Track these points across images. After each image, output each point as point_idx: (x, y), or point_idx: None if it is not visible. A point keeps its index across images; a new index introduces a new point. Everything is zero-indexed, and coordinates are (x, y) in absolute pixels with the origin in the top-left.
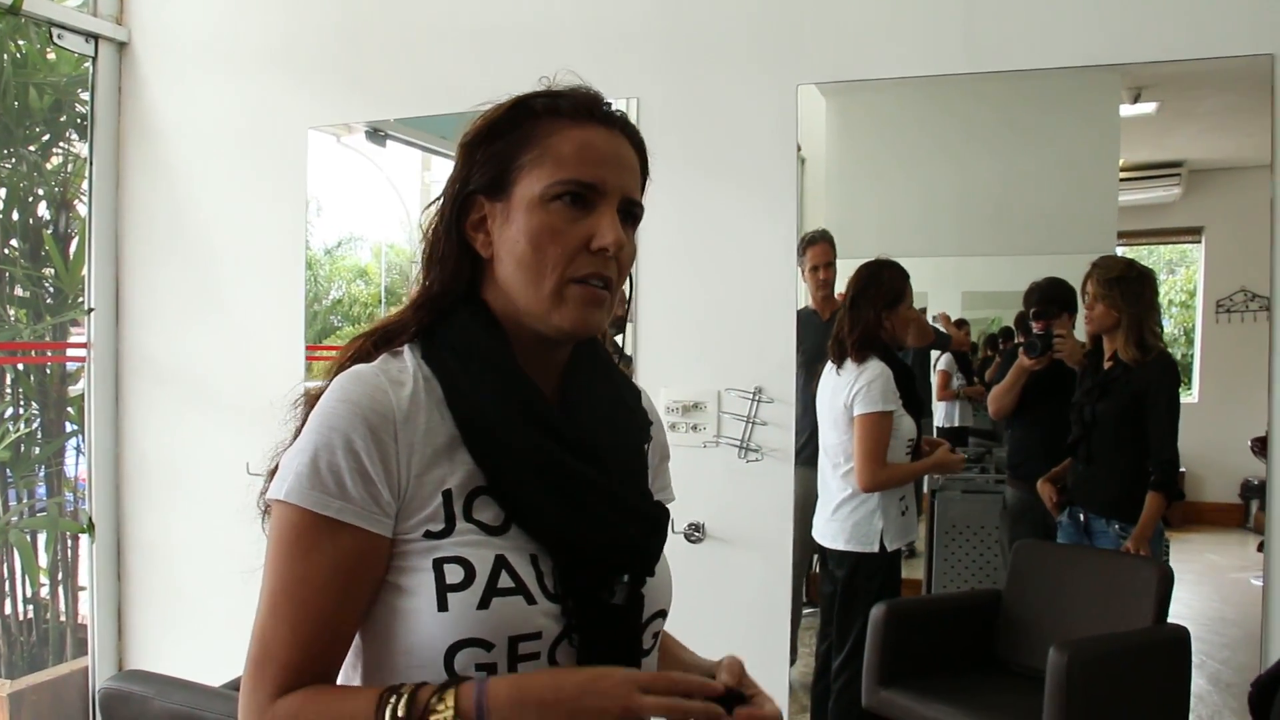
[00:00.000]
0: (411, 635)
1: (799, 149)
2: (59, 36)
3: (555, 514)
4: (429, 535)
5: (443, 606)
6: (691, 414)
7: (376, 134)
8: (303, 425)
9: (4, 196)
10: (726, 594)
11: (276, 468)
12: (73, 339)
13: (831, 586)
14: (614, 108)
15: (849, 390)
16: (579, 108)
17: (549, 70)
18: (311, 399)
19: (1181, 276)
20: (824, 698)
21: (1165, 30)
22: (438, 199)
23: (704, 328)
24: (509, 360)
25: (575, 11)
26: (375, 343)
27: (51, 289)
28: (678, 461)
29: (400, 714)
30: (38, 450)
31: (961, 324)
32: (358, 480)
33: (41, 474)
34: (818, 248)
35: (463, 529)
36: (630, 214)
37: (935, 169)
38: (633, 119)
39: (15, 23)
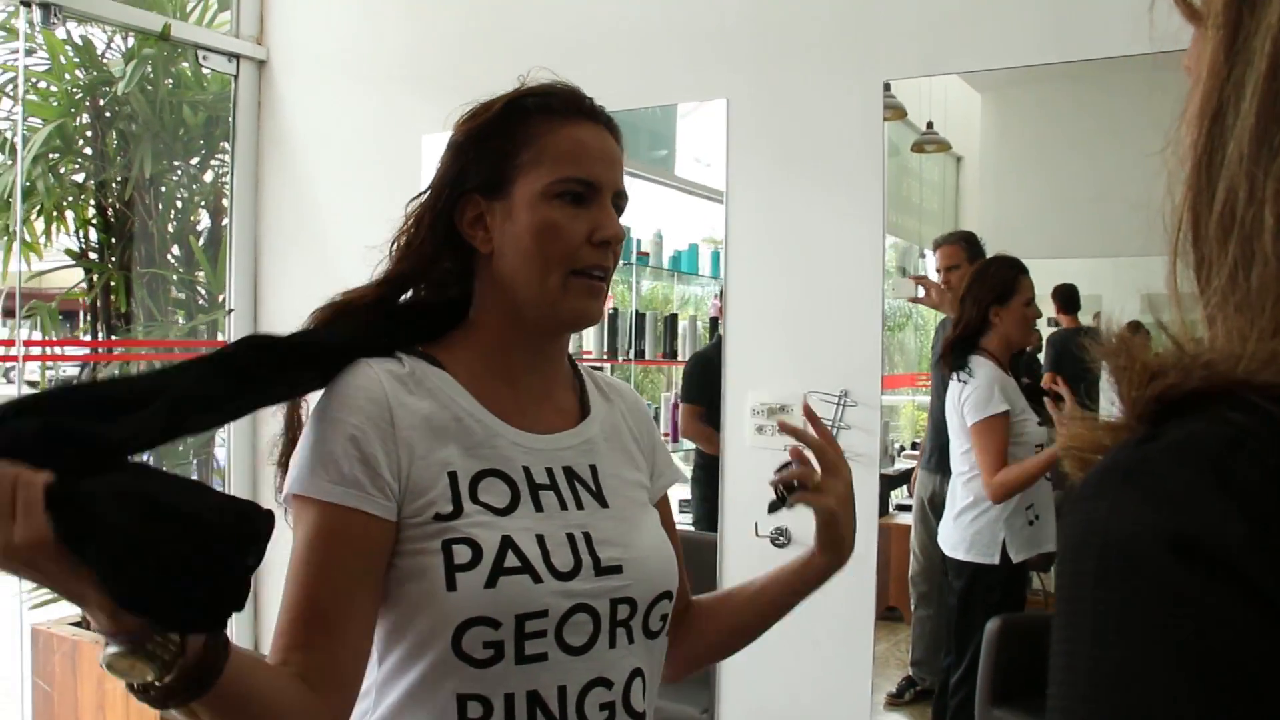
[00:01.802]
0: (425, 616)
1: (950, 147)
2: (204, 58)
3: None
4: (439, 518)
5: (451, 586)
6: (777, 416)
7: None
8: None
9: (160, 207)
10: (810, 600)
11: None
12: (220, 337)
13: (952, 598)
14: (595, 101)
15: (960, 396)
16: (568, 105)
17: (649, 71)
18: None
19: None
20: (944, 713)
21: None
22: (424, 193)
23: (790, 329)
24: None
25: (665, 16)
26: (329, 314)
27: (205, 292)
28: (767, 466)
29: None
30: (189, 440)
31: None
32: (357, 466)
33: (194, 463)
34: (945, 249)
35: (470, 510)
36: (619, 206)
37: (1105, 163)
38: (722, 120)
39: (169, 47)
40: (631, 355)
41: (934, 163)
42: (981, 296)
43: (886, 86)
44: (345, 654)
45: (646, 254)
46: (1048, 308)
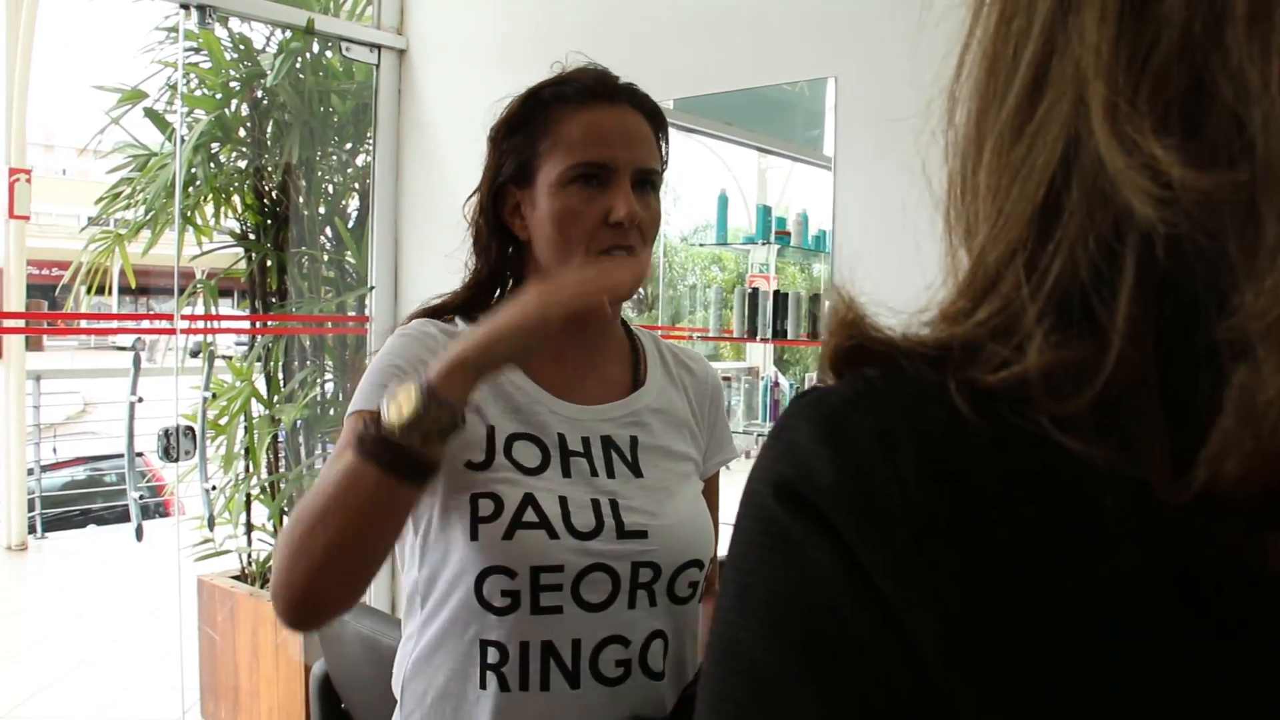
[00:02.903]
0: (453, 563)
1: None
2: (347, 49)
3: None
4: (469, 465)
5: (474, 536)
6: None
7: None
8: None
9: (307, 190)
10: None
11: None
12: (366, 313)
13: None
14: (622, 81)
15: None
16: (584, 90)
17: (760, 51)
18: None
19: None
20: None
21: None
22: (476, 190)
23: (893, 310)
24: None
25: None
26: (427, 315)
27: (353, 272)
28: None
29: (373, 430)
30: (334, 410)
31: None
32: None
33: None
34: None
35: (499, 465)
36: (648, 182)
37: None
38: (829, 98)
39: (315, 40)
40: (770, 335)
41: None
42: None
43: None
44: None
45: (788, 234)
46: None
